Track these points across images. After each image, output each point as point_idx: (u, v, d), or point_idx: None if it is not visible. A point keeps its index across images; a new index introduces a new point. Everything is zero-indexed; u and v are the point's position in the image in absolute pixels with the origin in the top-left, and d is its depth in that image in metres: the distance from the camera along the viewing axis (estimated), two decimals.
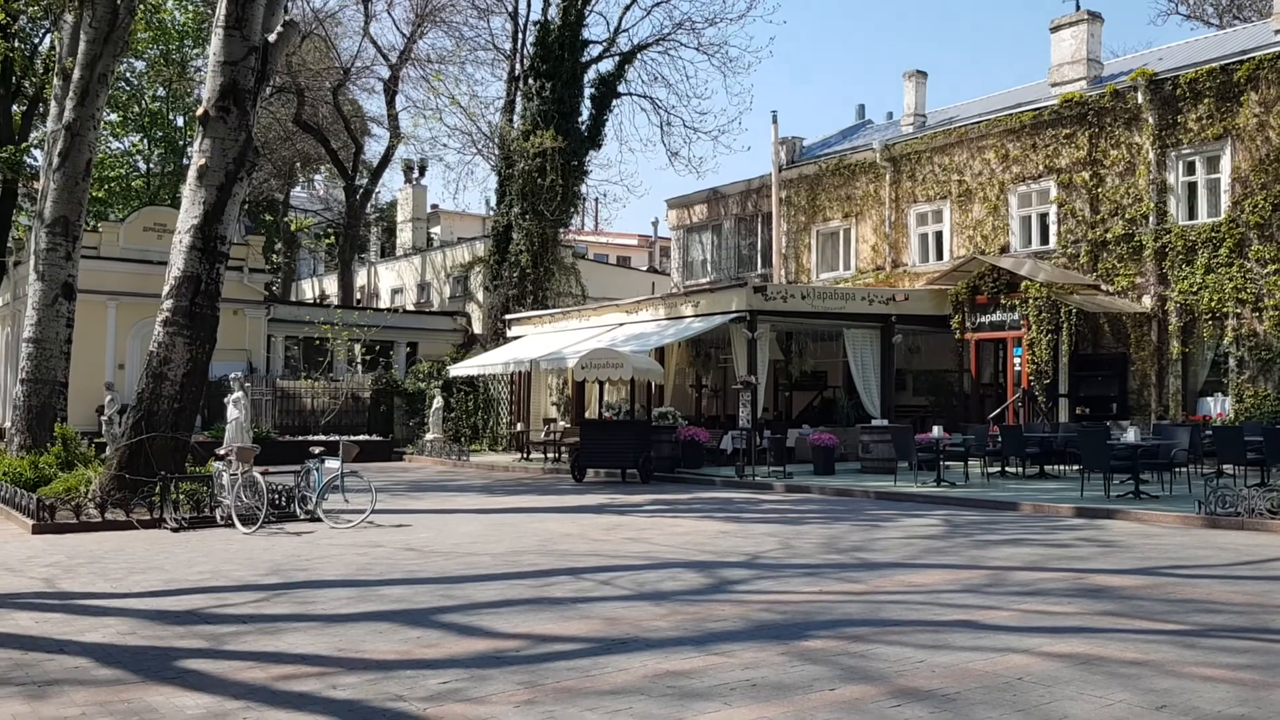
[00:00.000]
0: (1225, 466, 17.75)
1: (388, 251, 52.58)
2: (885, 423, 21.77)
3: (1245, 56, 21.12)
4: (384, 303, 45.43)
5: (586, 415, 26.88)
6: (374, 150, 46.73)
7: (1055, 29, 25.47)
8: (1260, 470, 16.69)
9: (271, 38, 16.21)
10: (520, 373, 28.42)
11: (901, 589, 9.14)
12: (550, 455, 25.88)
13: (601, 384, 25.24)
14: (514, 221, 32.62)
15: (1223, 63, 21.43)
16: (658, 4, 38.01)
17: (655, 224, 59.17)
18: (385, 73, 41.59)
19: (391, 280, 46.61)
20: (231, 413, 15.87)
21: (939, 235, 27.30)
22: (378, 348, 34.00)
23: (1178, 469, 17.03)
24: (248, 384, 17.23)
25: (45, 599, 8.97)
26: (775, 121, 31.22)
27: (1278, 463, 16.18)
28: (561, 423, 27.77)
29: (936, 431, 18.70)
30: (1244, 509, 13.08)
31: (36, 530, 13.22)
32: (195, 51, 39.45)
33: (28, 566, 10.68)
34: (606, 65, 34.28)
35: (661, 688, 6.01)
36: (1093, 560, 10.66)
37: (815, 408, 28.59)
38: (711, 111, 55.59)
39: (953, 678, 6.18)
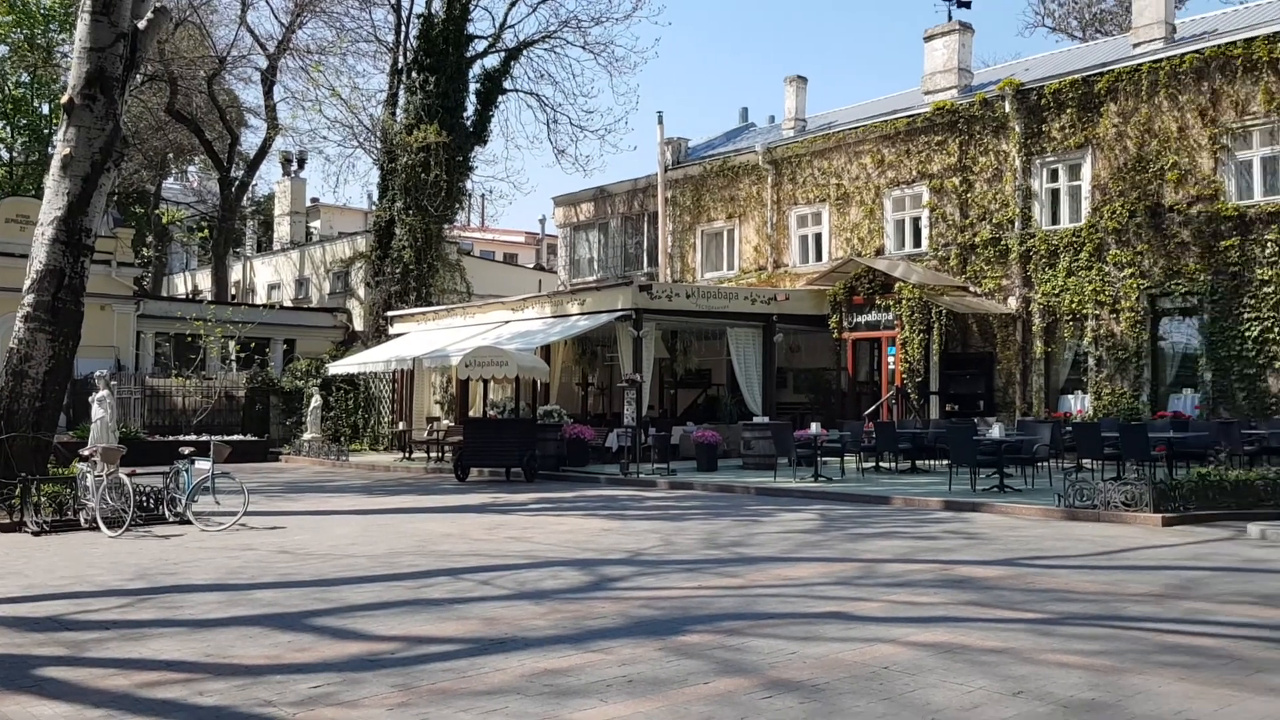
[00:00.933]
0: (1084, 461, 18.60)
1: (265, 246, 51.17)
2: (766, 420, 22.17)
3: (1105, 69, 22.17)
4: (260, 298, 44.19)
5: (471, 414, 26.66)
6: (250, 142, 45.42)
7: (928, 38, 26.31)
8: (1116, 464, 17.56)
9: (141, 24, 15.63)
10: (403, 371, 28.03)
11: (777, 583, 9.34)
12: (433, 455, 25.58)
13: (486, 382, 25.05)
14: (397, 216, 32.13)
15: (1084, 74, 22.45)
16: (543, 1, 37.84)
17: (542, 221, 58.96)
18: (263, 62, 40.43)
19: (268, 275, 45.38)
20: (96, 412, 15.28)
21: (818, 237, 27.92)
22: (253, 345, 33.03)
23: (1040, 463, 17.79)
24: (114, 382, 16.61)
25: None
26: (661, 122, 31.49)
27: (1132, 457, 17.04)
28: (445, 421, 27.47)
29: (815, 428, 19.13)
30: (1100, 501, 13.74)
31: None
32: (61, 37, 37.71)
33: None
34: (492, 61, 34.05)
35: (538, 686, 6.03)
36: (958, 552, 11.07)
37: (700, 405, 28.93)
38: (598, 110, 55.92)
39: (823, 668, 6.36)
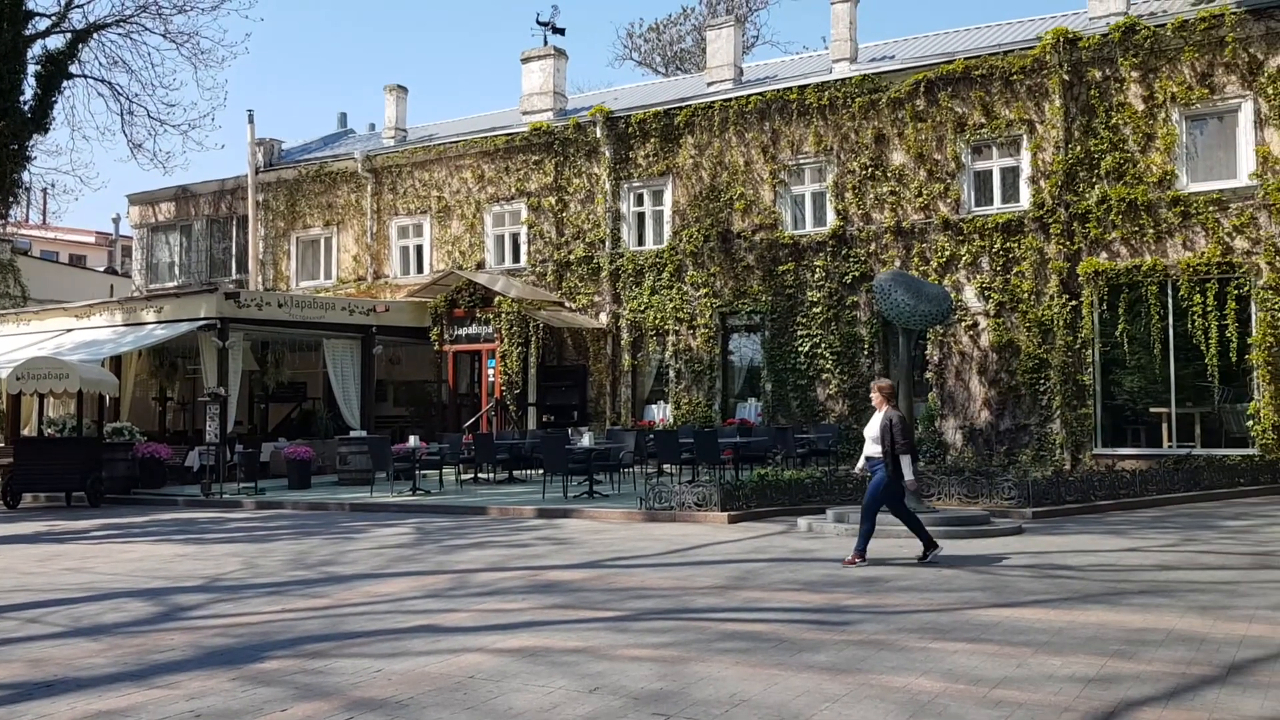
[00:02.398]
0: (665, 466, 19.96)
1: None
2: (364, 434, 21.72)
3: (684, 104, 24.01)
4: None
5: (25, 432, 23.72)
6: None
7: (525, 60, 27.12)
8: (692, 468, 19.02)
9: None
10: None
11: (367, 600, 9.17)
12: None
13: (44, 398, 22.43)
14: None
15: (666, 107, 24.18)
16: None
17: (116, 221, 53.70)
18: None
19: None
20: None
21: (419, 248, 27.81)
22: None
23: (626, 470, 18.87)
24: None
25: None
26: (252, 121, 29.89)
27: (705, 461, 18.54)
28: None
29: (413, 441, 19.01)
30: (676, 503, 14.82)
31: None
32: None
33: None
34: (56, 42, 30.49)
35: None
36: (548, 557, 11.47)
37: (293, 420, 27.72)
38: (181, 104, 51.77)
39: (408, 683, 6.32)
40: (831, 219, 22.21)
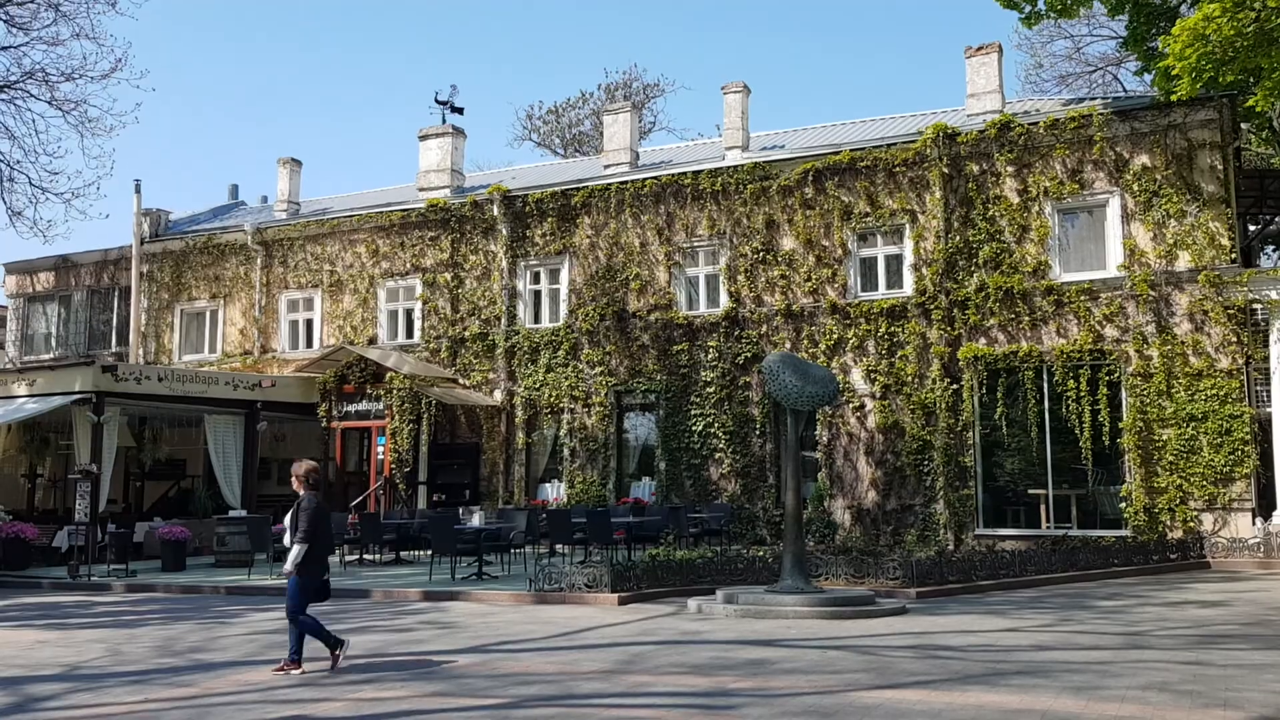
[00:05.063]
0: (558, 546, 19.72)
1: None
2: (244, 513, 21.00)
3: (581, 185, 24.31)
4: None
5: None
6: None
7: (423, 138, 27.17)
8: (584, 549, 18.83)
9: None
10: None
11: (235, 689, 8.77)
12: None
13: None
14: None
15: (563, 188, 24.43)
16: (3, 48, 33.80)
17: None
18: None
19: None
20: None
21: (309, 323, 27.32)
22: None
23: (516, 549, 18.58)
24: None
25: None
26: (138, 191, 29.19)
27: (597, 541, 18.39)
28: None
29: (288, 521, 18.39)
30: (566, 585, 14.62)
31: None
32: None
33: None
34: None
35: None
36: (432, 642, 11.16)
37: (171, 498, 26.65)
38: (65, 172, 49.92)
39: None
40: (725, 300, 22.58)
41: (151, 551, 20.63)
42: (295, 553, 9.41)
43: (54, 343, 31.47)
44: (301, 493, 9.74)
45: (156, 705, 8.15)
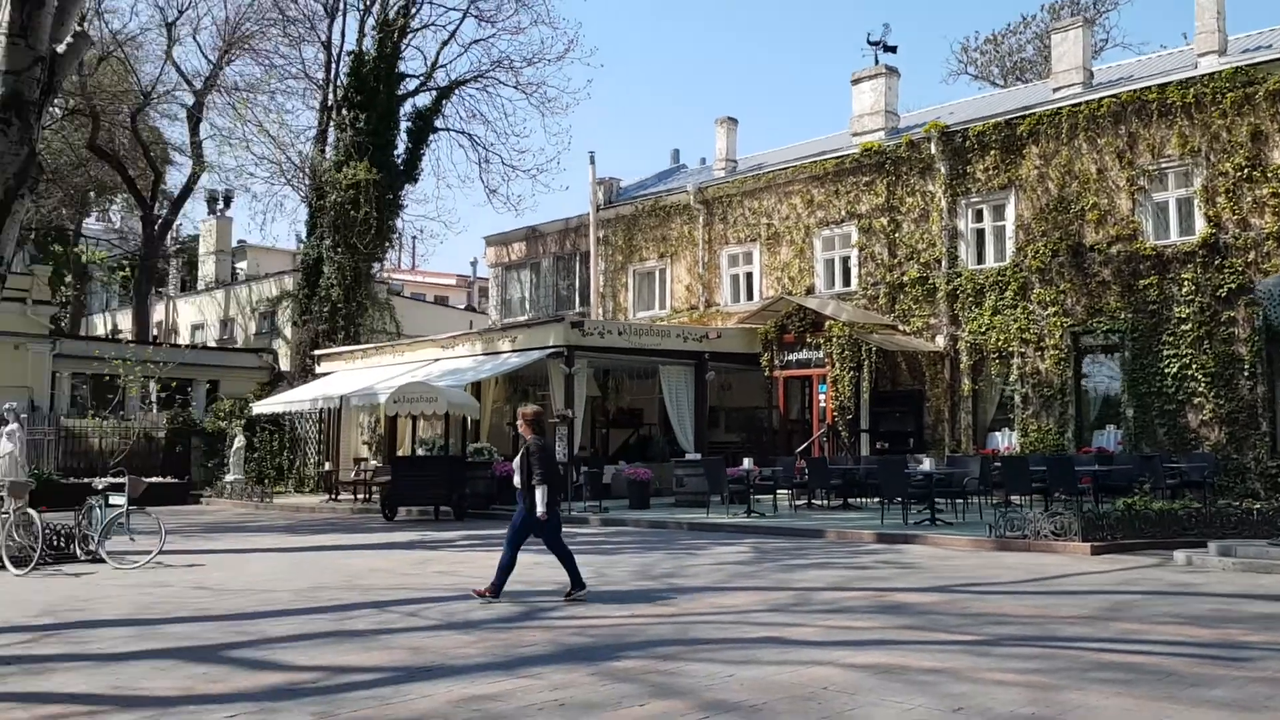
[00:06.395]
0: (1012, 496, 18.75)
1: (189, 285, 50.06)
2: (698, 457, 22.08)
3: (1027, 112, 22.73)
4: (184, 339, 43.12)
5: (400, 453, 26.18)
6: (175, 180, 44.45)
7: (856, 81, 26.79)
8: (1044, 498, 17.73)
9: (61, 48, 15.13)
10: (330, 410, 27.46)
11: (712, 610, 9.18)
12: (360, 496, 24.99)
13: (415, 420, 24.68)
14: (325, 254, 31.64)
15: (1007, 118, 22.99)
16: (475, 41, 37.94)
17: (474, 264, 58.64)
18: (189, 99, 39.71)
19: (192, 316, 44.37)
20: (4, 446, 14.61)
21: (749, 275, 28.09)
22: (174, 385, 32.08)
23: (969, 498, 17.91)
24: (24, 414, 15.94)
25: None
26: (593, 162, 31.54)
27: (1059, 490, 17.24)
28: (373, 462, 26.88)
29: (747, 464, 19.07)
30: (1030, 532, 13.84)
31: None
32: None
33: None
34: (424, 99, 33.88)
35: (466, 711, 5.79)
36: (893, 580, 11.02)
37: (631, 444, 28.75)
38: (530, 150, 55.73)
39: (760, 690, 6.21)
40: (1201, 226, 20.12)
41: (618, 491, 22.33)
42: (541, 494, 9.83)
43: (527, 306, 34.98)
44: (529, 436, 10.20)
45: (642, 620, 8.74)
